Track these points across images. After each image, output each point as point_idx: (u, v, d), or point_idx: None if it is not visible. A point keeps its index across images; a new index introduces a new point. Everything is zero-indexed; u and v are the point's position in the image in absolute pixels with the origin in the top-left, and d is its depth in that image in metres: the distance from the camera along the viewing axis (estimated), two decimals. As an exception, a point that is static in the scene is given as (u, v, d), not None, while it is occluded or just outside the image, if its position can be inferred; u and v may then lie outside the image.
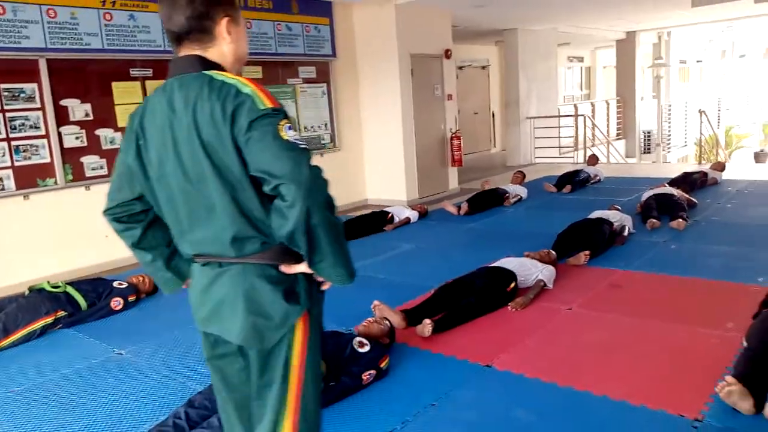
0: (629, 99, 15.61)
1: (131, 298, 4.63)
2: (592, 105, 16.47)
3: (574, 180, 8.60)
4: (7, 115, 5.36)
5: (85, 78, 5.89)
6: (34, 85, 5.50)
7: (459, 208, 7.39)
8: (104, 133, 5.97)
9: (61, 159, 5.69)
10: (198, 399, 2.75)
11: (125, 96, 6.10)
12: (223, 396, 1.72)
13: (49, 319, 4.18)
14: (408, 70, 8.47)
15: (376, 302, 3.82)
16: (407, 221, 7.06)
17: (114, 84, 6.07)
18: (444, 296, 4.02)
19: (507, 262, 4.45)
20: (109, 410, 3.06)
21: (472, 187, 9.10)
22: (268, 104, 1.43)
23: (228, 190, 1.47)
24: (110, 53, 5.98)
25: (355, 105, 8.82)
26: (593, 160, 9.94)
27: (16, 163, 5.43)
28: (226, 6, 1.57)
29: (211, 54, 1.56)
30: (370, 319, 3.49)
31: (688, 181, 7.73)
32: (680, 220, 5.92)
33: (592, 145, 13.64)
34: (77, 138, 5.80)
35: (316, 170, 1.42)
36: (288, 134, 1.42)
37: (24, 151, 5.47)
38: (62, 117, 5.69)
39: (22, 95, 5.43)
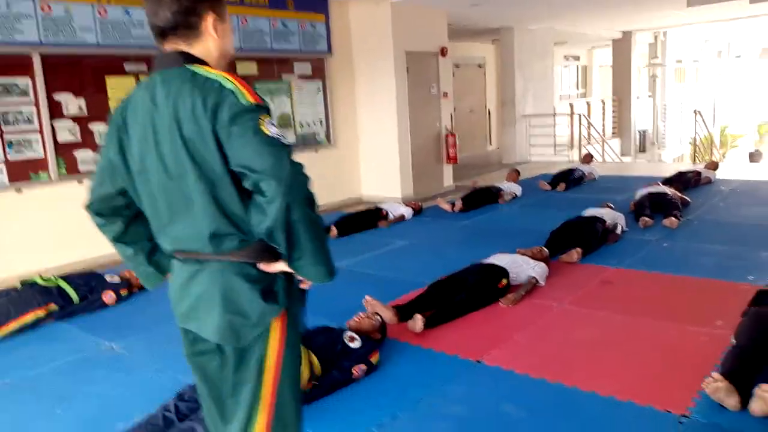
0: (625, 98, 15.66)
1: (123, 292, 4.64)
2: (588, 104, 16.50)
3: (568, 178, 8.62)
4: (1, 109, 5.35)
5: (79, 73, 5.88)
6: (28, 80, 5.49)
7: (453, 205, 7.40)
8: (98, 127, 5.96)
9: (55, 153, 5.68)
10: (188, 392, 2.76)
11: (119, 91, 6.10)
12: (203, 392, 1.71)
13: (41, 313, 4.18)
14: (404, 67, 8.47)
15: (367, 297, 3.84)
16: (401, 218, 7.07)
17: (108, 79, 6.06)
18: (436, 292, 4.03)
19: (499, 259, 4.46)
20: (100, 403, 3.07)
21: (467, 185, 9.10)
22: (251, 100, 1.43)
23: (207, 186, 1.46)
24: (105, 48, 5.97)
25: (351, 102, 8.82)
26: (588, 158, 9.96)
27: (9, 157, 5.42)
28: (212, 2, 1.57)
29: (196, 50, 1.56)
30: (361, 314, 3.51)
31: (681, 180, 7.76)
32: (673, 218, 5.95)
33: (588, 144, 13.68)
34: (71, 132, 5.80)
35: (298, 166, 1.42)
36: (270, 130, 1.42)
37: (17, 145, 5.46)
38: (56, 111, 5.69)
39: (15, 89, 5.42)
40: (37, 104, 5.54)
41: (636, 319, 3.76)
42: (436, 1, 8.58)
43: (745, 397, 2.57)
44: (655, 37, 15.90)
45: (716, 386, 2.61)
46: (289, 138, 7.89)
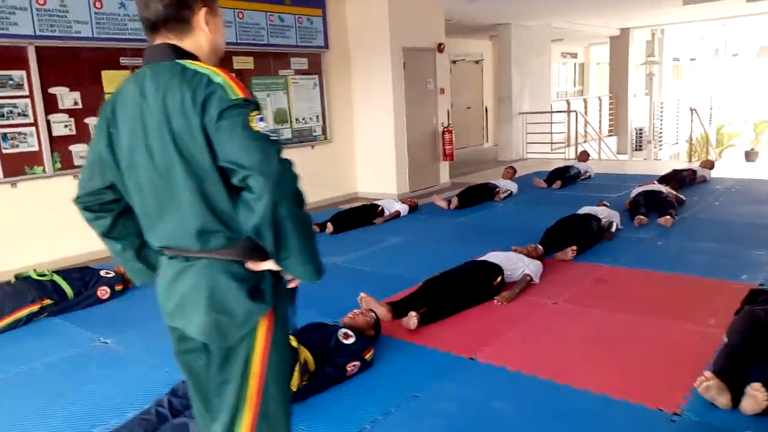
0: (622, 96, 15.67)
1: (118, 288, 4.63)
2: (585, 101, 16.51)
3: (564, 176, 8.63)
4: (-5, 102, 5.33)
5: (74, 66, 5.85)
6: (23, 73, 5.46)
7: (449, 202, 7.41)
8: (93, 121, 5.93)
9: (50, 147, 5.66)
10: (181, 388, 2.76)
11: (115, 84, 6.03)
12: (191, 390, 1.71)
13: (35, 308, 4.17)
14: (400, 63, 8.46)
15: (362, 294, 3.84)
16: (397, 214, 7.08)
17: (104, 72, 6.03)
18: (430, 289, 4.04)
19: (494, 257, 4.47)
20: (94, 398, 3.07)
21: (462, 182, 9.11)
22: (240, 94, 1.41)
23: (195, 181, 1.44)
24: (100, 41, 5.95)
25: (347, 97, 8.80)
26: (584, 156, 9.97)
27: (4, 151, 5.40)
28: None
29: (187, 44, 1.54)
30: (356, 311, 3.50)
31: (677, 179, 7.78)
32: (668, 217, 5.96)
33: (584, 141, 13.69)
34: (66, 126, 5.77)
35: (286, 163, 1.41)
36: (258, 125, 1.40)
37: (12, 138, 5.43)
38: (51, 105, 5.66)
39: (10, 83, 5.39)
40: (32, 98, 5.51)
41: (630, 317, 3.77)
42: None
43: (737, 395, 2.59)
44: (653, 35, 15.91)
45: (708, 385, 2.62)
46: (282, 134, 7.88)
